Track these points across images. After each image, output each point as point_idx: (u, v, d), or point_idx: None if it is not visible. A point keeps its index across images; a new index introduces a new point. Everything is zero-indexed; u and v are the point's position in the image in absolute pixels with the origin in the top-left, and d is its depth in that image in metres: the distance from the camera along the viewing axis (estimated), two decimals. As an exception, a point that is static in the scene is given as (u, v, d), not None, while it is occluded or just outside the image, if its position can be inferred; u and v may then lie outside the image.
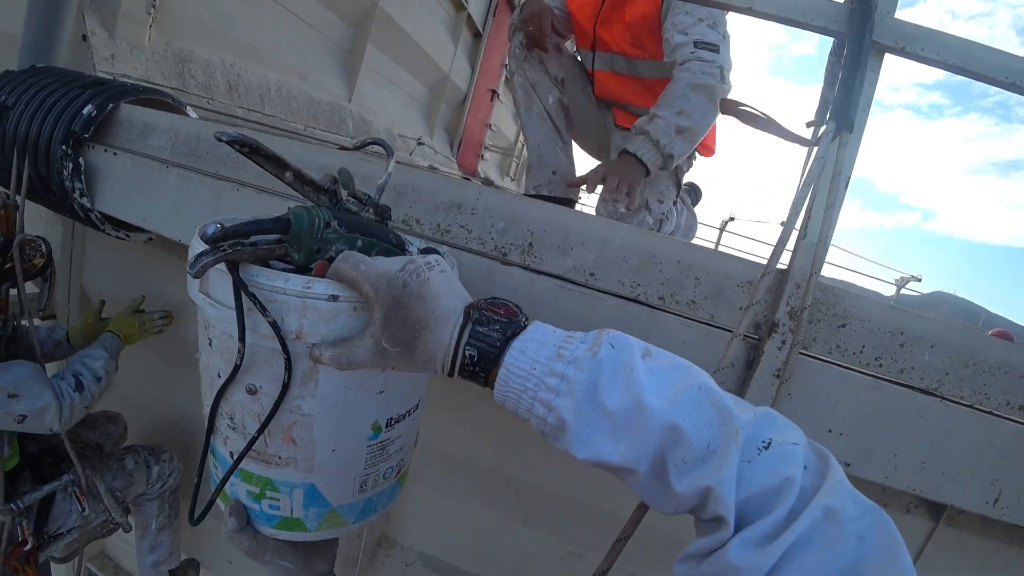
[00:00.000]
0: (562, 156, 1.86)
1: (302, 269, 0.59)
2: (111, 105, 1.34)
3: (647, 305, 0.88)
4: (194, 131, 1.17)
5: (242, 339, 0.55)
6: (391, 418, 0.67)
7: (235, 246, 0.53)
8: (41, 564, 1.71)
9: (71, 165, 1.31)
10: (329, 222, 0.57)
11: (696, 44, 1.48)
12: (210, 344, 0.62)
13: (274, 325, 0.54)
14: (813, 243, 0.82)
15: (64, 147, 1.30)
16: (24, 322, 1.49)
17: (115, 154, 1.31)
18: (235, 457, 0.62)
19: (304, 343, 0.56)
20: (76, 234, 1.85)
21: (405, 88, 4.30)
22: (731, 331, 0.81)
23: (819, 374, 0.82)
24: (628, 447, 0.44)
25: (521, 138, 6.83)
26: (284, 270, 0.58)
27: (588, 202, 9.00)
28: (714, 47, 1.48)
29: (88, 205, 1.33)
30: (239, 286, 0.54)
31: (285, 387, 0.57)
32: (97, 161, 1.33)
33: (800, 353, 0.82)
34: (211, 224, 0.58)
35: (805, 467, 0.42)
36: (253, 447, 0.62)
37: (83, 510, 1.74)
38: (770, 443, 0.43)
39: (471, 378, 0.51)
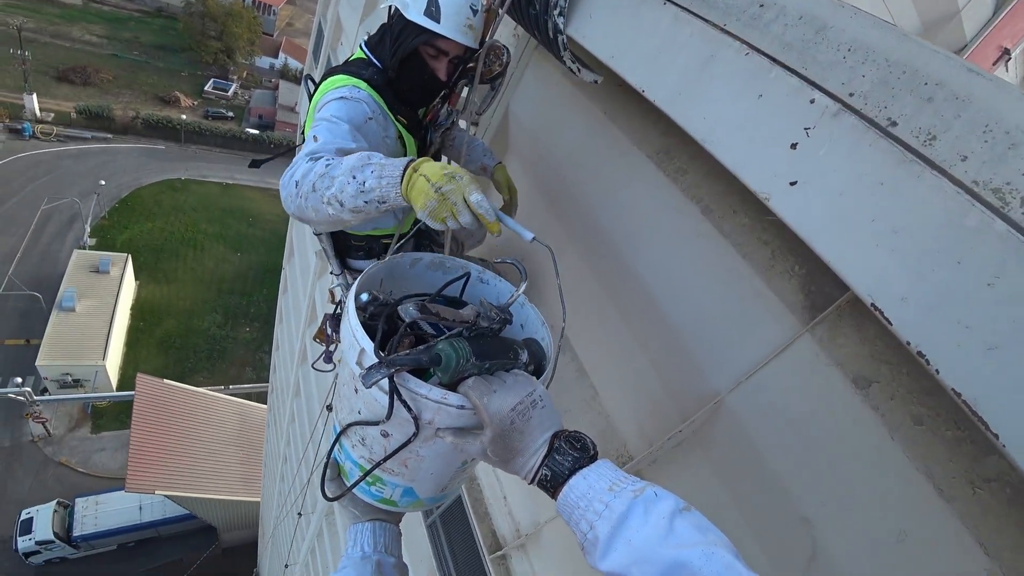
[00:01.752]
0: None
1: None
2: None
3: None
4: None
5: (388, 416, 0.82)
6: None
7: (397, 363, 0.79)
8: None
9: (563, -21, 1.25)
10: (469, 358, 0.81)
11: None
12: (356, 391, 0.92)
13: (416, 419, 0.82)
14: None
15: (564, -42, 1.23)
16: (462, 122, 1.62)
17: (609, -22, 1.19)
18: (362, 468, 0.96)
19: (433, 426, 0.83)
20: (524, 57, 1.91)
21: (894, 9, 3.35)
22: None
23: None
24: (640, 572, 0.62)
25: None
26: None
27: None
28: None
29: (561, 25, 1.28)
30: (394, 392, 0.81)
31: (409, 441, 0.85)
32: (588, -18, 1.24)
33: None
34: (365, 292, 0.92)
35: None
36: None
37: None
38: None
39: (543, 489, 0.77)
